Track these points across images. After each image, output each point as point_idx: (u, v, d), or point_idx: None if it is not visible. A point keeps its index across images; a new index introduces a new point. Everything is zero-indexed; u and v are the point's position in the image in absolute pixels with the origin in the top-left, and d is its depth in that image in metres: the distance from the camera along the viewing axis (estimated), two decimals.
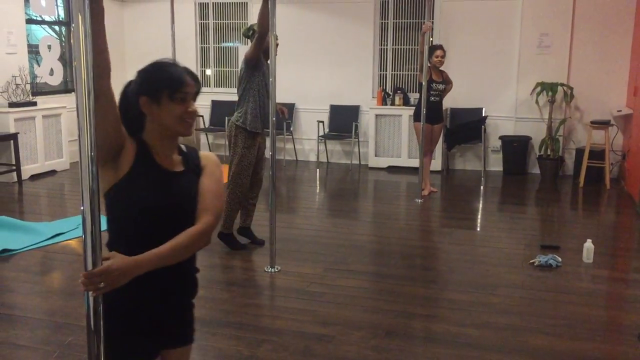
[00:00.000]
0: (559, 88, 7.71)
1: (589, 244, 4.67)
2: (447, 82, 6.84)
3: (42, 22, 8.42)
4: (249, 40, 4.99)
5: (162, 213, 1.70)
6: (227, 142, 4.83)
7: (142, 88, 1.70)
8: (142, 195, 1.69)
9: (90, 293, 1.50)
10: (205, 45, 9.52)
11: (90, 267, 1.49)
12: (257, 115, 4.70)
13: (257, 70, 4.63)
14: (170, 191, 1.72)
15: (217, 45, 9.51)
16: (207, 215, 1.71)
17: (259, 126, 4.73)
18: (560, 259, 4.60)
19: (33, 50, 7.95)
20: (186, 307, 1.89)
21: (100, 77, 1.53)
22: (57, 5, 8.25)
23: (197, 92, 1.76)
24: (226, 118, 8.96)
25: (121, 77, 8.71)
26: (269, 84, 4.43)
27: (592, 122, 7.43)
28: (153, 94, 1.69)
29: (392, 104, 8.43)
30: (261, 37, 4.49)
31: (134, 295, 1.67)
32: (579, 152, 7.67)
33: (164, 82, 1.69)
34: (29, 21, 7.97)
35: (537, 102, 7.92)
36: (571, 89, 7.73)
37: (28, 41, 7.82)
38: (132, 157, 1.69)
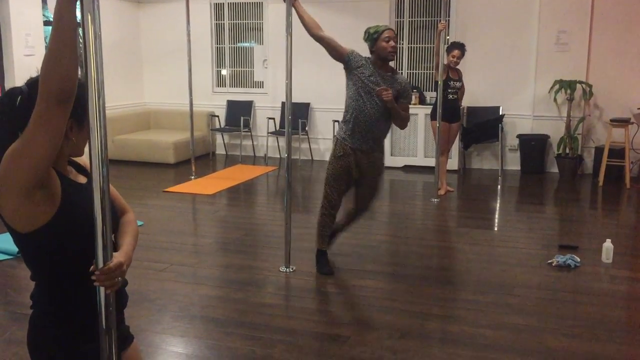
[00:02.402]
0: (578, 86, 7.61)
1: (608, 244, 4.60)
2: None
3: None
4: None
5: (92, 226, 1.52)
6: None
7: (73, 111, 1.48)
8: (84, 215, 1.52)
9: (107, 290, 1.51)
10: (220, 45, 9.54)
11: (101, 265, 1.49)
12: (351, 127, 4.21)
13: (350, 74, 4.24)
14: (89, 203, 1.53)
15: (233, 45, 9.53)
16: (124, 202, 1.85)
17: (354, 141, 4.21)
18: (578, 259, 4.54)
19: None
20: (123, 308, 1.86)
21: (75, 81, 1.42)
22: None
23: None
24: (242, 118, 9.02)
25: (138, 77, 8.75)
26: (370, 90, 4.12)
27: (611, 120, 7.33)
28: (80, 118, 1.57)
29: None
30: (316, 39, 4.27)
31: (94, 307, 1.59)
32: (599, 150, 7.57)
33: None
34: (47, 23, 8.04)
35: (555, 100, 7.82)
36: (590, 86, 7.62)
37: (46, 43, 7.90)
38: (57, 180, 1.55)
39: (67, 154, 1.63)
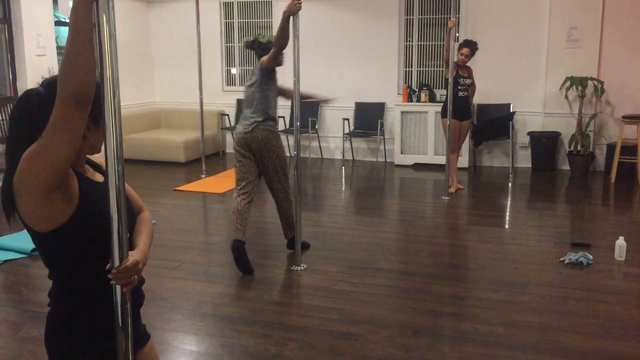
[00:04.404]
0: (589, 82, 7.56)
1: (621, 242, 4.57)
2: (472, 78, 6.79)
3: None
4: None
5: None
6: (245, 150, 4.45)
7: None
8: (102, 214, 1.52)
9: (123, 288, 1.52)
10: (230, 45, 9.56)
11: (117, 263, 1.50)
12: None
13: (271, 78, 4.62)
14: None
15: (242, 44, 9.52)
16: (140, 201, 1.87)
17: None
18: (591, 257, 4.51)
19: (62, 52, 8.06)
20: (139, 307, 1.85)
21: (93, 84, 1.42)
22: None
23: None
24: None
25: (149, 77, 8.76)
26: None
27: (623, 117, 7.28)
28: (96, 116, 1.54)
29: (418, 100, 8.36)
30: (279, 50, 4.48)
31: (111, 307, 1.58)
32: (610, 147, 7.52)
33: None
34: (58, 23, 8.09)
35: (566, 97, 7.78)
36: (602, 83, 7.57)
37: (57, 43, 7.95)
38: (75, 180, 1.55)
39: (84, 152, 1.64)
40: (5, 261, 4.62)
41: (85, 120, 1.44)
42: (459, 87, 6.62)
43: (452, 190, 6.77)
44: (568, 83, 7.64)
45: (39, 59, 7.50)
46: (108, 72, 1.41)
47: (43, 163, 1.42)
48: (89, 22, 1.37)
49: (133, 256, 1.55)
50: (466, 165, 8.04)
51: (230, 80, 9.67)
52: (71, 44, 1.36)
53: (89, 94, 1.40)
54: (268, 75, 4.56)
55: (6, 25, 7.35)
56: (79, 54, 1.36)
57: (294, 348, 3.25)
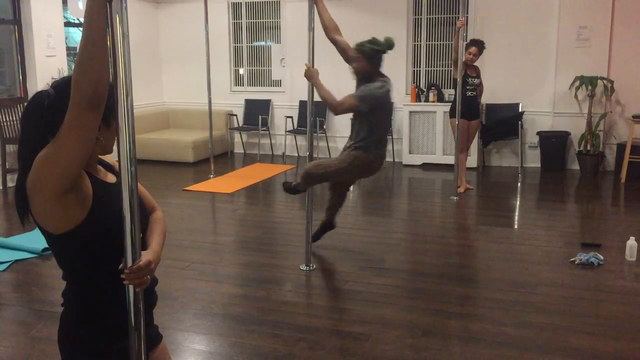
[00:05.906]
0: (599, 82, 7.52)
1: (632, 242, 4.55)
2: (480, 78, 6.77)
3: (80, 24, 8.59)
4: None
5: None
6: None
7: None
8: (115, 215, 1.51)
9: (136, 288, 1.52)
10: (238, 45, 9.57)
11: (130, 263, 1.51)
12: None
13: (362, 83, 4.35)
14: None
15: (250, 45, 9.55)
16: (153, 200, 1.88)
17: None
18: (602, 257, 4.49)
19: (71, 53, 8.11)
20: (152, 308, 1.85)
21: (107, 84, 1.42)
22: None
23: None
24: (260, 117, 9.04)
25: (157, 77, 8.77)
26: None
27: (633, 116, 7.24)
28: (107, 117, 1.53)
29: (426, 100, 8.35)
30: (331, 42, 4.43)
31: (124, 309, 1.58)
32: (620, 147, 7.48)
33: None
34: (67, 24, 8.13)
35: (576, 96, 7.74)
36: (611, 82, 7.53)
37: (66, 44, 7.98)
38: (88, 182, 1.56)
39: (97, 153, 1.65)
40: (16, 261, 4.64)
41: (98, 122, 1.44)
42: (468, 87, 6.60)
43: (461, 190, 6.75)
44: (577, 82, 7.60)
45: (48, 60, 7.54)
46: (121, 72, 1.41)
47: (56, 165, 1.43)
48: (103, 23, 1.37)
49: (146, 256, 1.56)
50: (475, 165, 8.01)
51: (238, 80, 9.68)
52: (85, 46, 1.37)
53: (103, 95, 1.40)
54: (360, 79, 4.48)
55: (16, 26, 7.39)
56: (93, 56, 1.37)
57: (303, 348, 3.25)
